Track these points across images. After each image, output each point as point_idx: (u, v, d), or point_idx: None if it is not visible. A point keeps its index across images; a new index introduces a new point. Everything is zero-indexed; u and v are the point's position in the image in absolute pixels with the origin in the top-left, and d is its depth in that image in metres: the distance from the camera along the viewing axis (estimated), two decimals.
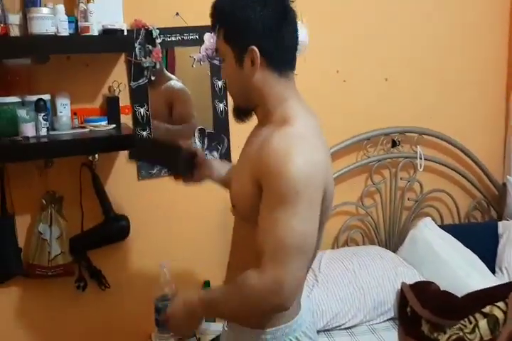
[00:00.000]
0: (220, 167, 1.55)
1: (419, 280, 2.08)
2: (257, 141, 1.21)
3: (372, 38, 2.29)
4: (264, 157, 1.13)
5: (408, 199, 2.43)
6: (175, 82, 2.00)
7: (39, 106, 1.69)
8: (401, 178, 2.40)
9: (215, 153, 2.10)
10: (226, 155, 2.12)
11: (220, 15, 1.20)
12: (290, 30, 1.21)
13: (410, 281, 2.06)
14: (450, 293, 1.93)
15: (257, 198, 1.15)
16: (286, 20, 1.20)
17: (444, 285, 2.01)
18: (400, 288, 2.05)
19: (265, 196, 1.14)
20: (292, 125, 1.16)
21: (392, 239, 2.44)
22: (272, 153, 1.12)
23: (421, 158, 2.37)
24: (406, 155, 2.39)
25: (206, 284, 2.09)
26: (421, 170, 2.38)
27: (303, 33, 2.12)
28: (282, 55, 1.21)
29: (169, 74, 1.99)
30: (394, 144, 2.37)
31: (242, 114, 1.28)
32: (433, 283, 2.01)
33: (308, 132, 1.18)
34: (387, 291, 2.05)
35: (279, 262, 1.10)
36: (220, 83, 2.05)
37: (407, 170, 2.42)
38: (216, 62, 2.01)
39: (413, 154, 2.39)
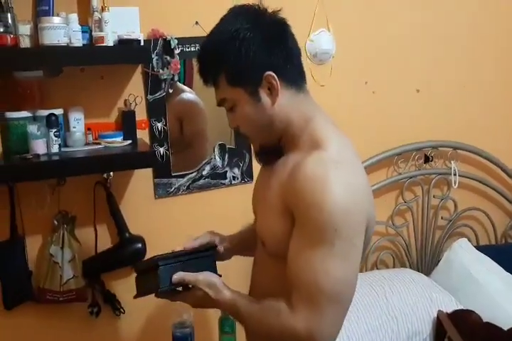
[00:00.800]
0: (235, 242, 1.38)
1: (456, 307, 1.93)
2: (285, 169, 1.07)
3: (402, 48, 2.18)
4: (297, 186, 1.01)
5: (441, 218, 2.30)
6: (187, 95, 1.88)
7: (50, 122, 1.59)
8: (434, 196, 2.27)
9: (236, 170, 1.98)
10: (248, 172, 2.00)
11: (216, 61, 1.07)
12: (292, 39, 1.10)
13: (447, 309, 1.91)
14: (494, 325, 1.77)
15: (290, 233, 1.03)
16: (285, 31, 1.09)
17: (483, 314, 1.85)
18: (435, 316, 1.90)
19: (298, 230, 1.01)
20: (325, 149, 1.04)
21: (425, 261, 2.29)
22: (306, 181, 0.99)
23: (455, 175, 2.24)
24: (439, 171, 2.26)
25: None
26: (455, 187, 2.25)
27: (329, 41, 2.02)
28: (293, 68, 1.09)
29: (182, 86, 1.86)
30: (426, 160, 2.24)
31: (269, 154, 1.14)
32: (473, 312, 1.85)
33: (344, 155, 1.05)
34: (422, 320, 1.90)
35: (314, 309, 0.97)
36: None
37: (441, 187, 2.29)
38: None
39: (447, 170, 2.25)
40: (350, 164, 1.05)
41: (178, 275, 1.12)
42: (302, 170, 1.01)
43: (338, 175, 0.99)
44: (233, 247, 1.36)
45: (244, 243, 1.38)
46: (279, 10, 1.11)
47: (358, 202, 1.01)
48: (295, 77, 1.10)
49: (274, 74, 1.05)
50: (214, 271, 1.18)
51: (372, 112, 2.16)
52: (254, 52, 1.04)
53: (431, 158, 2.23)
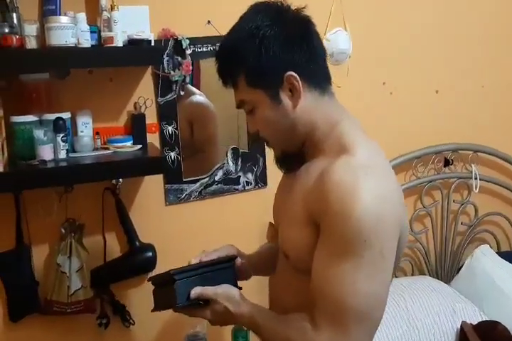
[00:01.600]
0: (254, 260, 1.29)
1: (480, 318, 1.85)
2: (310, 177, 1.00)
3: (420, 48, 2.12)
4: (323, 194, 0.93)
5: (461, 223, 2.22)
6: (197, 98, 1.81)
7: (58, 126, 1.52)
8: (454, 201, 2.19)
9: (249, 175, 1.91)
10: (262, 177, 1.92)
11: (234, 61, 1.00)
12: (317, 38, 1.03)
13: (471, 320, 1.83)
14: None
15: (316, 244, 0.95)
16: (309, 30, 1.02)
17: (510, 325, 1.77)
18: (459, 327, 1.82)
19: (324, 241, 0.94)
20: (354, 154, 0.96)
21: (444, 268, 2.21)
22: (334, 188, 0.92)
23: (476, 178, 2.16)
24: (459, 175, 2.19)
25: None
26: (476, 191, 2.17)
27: (346, 41, 1.95)
28: (317, 68, 1.02)
29: (192, 89, 1.79)
30: (446, 163, 2.16)
31: (291, 161, 1.06)
32: (499, 323, 1.77)
33: (374, 160, 0.98)
34: (444, 331, 1.82)
35: (339, 328, 0.90)
36: None
37: (461, 191, 2.22)
38: None
39: (467, 174, 2.18)
40: (381, 169, 0.98)
41: (195, 291, 1.05)
42: (329, 177, 0.94)
43: (368, 181, 0.92)
44: (251, 265, 1.28)
45: (263, 263, 1.30)
46: (304, 7, 1.03)
47: (390, 210, 0.93)
48: (319, 79, 1.03)
49: (295, 74, 0.98)
50: (234, 283, 1.11)
51: (389, 114, 2.09)
52: (274, 51, 0.98)
53: (451, 161, 2.16)
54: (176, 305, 1.08)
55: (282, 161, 1.09)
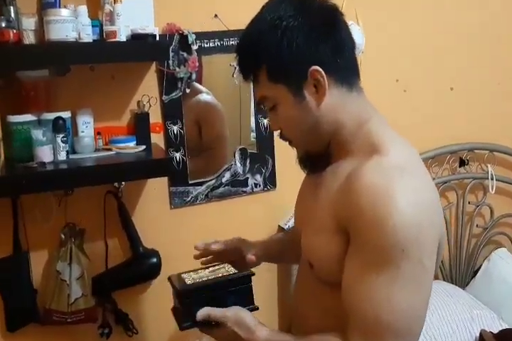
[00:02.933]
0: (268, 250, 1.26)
1: (499, 325, 1.78)
2: (336, 179, 0.92)
3: (435, 44, 2.04)
4: (353, 199, 0.85)
5: (477, 225, 2.15)
6: (204, 96, 1.73)
7: (57, 126, 1.44)
8: (469, 202, 2.12)
9: (258, 177, 1.83)
10: (271, 179, 1.84)
11: (255, 54, 0.93)
12: (345, 29, 0.95)
13: (490, 328, 1.75)
14: None
15: (345, 254, 0.88)
16: (336, 20, 0.94)
17: None
18: (478, 335, 1.74)
19: (355, 251, 0.86)
20: (386, 154, 0.89)
21: (459, 272, 2.13)
22: (365, 192, 0.84)
23: (492, 179, 2.09)
24: (475, 175, 2.11)
25: None
26: (492, 192, 2.09)
27: (358, 36, 1.87)
28: (345, 62, 0.94)
29: (199, 87, 1.71)
30: (462, 163, 2.09)
31: (316, 161, 0.99)
32: None
33: (409, 161, 0.90)
34: (463, 340, 1.74)
35: None
36: None
37: (476, 192, 2.14)
38: None
39: (483, 174, 2.11)
40: (417, 170, 0.90)
41: (202, 312, 0.98)
42: (359, 180, 0.86)
43: (403, 183, 0.85)
44: (264, 254, 1.23)
45: (278, 253, 1.27)
46: None
47: (429, 215, 0.86)
48: (346, 73, 0.95)
49: (320, 69, 0.90)
50: (250, 302, 1.03)
51: (403, 112, 2.00)
52: (298, 44, 0.90)
53: (466, 161, 2.08)
54: (180, 326, 1.00)
55: (306, 162, 1.01)
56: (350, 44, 0.95)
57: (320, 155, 0.98)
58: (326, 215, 0.91)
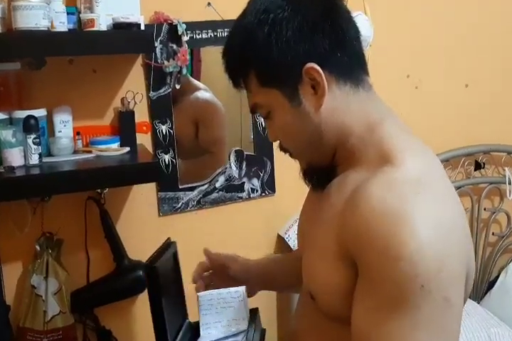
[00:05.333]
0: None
1: None
2: (342, 194, 0.77)
3: (449, 36, 1.91)
4: (360, 222, 0.70)
5: (493, 233, 2.03)
6: (203, 94, 1.60)
7: (28, 126, 1.29)
8: (485, 209, 2.00)
9: (255, 181, 1.68)
10: (269, 184, 1.69)
11: (241, 55, 0.80)
12: (345, 17, 0.81)
13: None
14: None
15: (353, 286, 0.73)
16: (335, 6, 0.80)
17: None
18: None
19: (364, 287, 0.71)
20: (399, 164, 0.73)
21: (473, 283, 1.97)
22: (373, 215, 0.69)
23: (510, 184, 1.96)
24: (491, 179, 1.99)
25: None
26: (510, 198, 1.97)
27: (366, 27, 1.73)
28: (347, 56, 0.79)
29: (196, 83, 1.58)
30: (477, 166, 1.96)
31: (322, 175, 0.84)
32: None
33: (427, 174, 0.75)
34: None
35: None
36: None
37: (492, 197, 2.02)
38: None
39: (500, 178, 1.98)
40: (438, 187, 0.74)
41: None
42: (366, 199, 0.71)
43: (420, 204, 0.69)
44: (259, 277, 1.11)
45: (277, 275, 1.13)
46: None
47: (454, 243, 0.70)
48: (350, 69, 0.80)
49: (317, 66, 0.76)
50: None
51: (414, 110, 1.87)
52: (288, 39, 0.76)
53: (482, 164, 1.94)
54: None
55: (310, 175, 0.86)
56: (353, 34, 0.80)
57: (325, 167, 0.83)
58: (330, 240, 0.75)
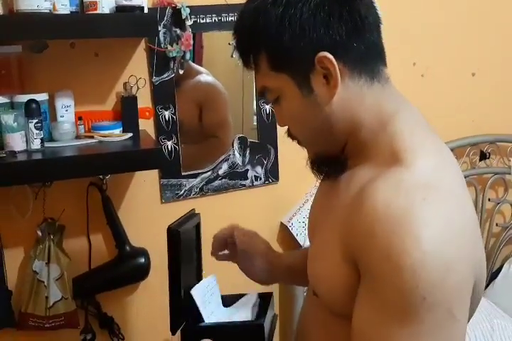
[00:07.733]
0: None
1: None
2: (350, 192, 0.75)
3: (456, 23, 1.87)
4: (362, 226, 0.68)
5: (496, 224, 2.00)
6: (205, 78, 1.58)
7: (30, 110, 1.27)
8: (489, 199, 1.97)
9: (259, 169, 1.66)
10: (273, 171, 1.68)
11: (253, 36, 0.77)
12: (365, 3, 0.77)
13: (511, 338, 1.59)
14: None
15: (356, 285, 0.71)
16: None
17: None
18: None
19: (366, 294, 0.69)
20: (408, 165, 0.71)
21: None
22: (377, 219, 0.67)
23: None
24: (496, 170, 1.96)
25: None
26: None
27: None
28: (365, 46, 0.75)
29: (197, 67, 1.56)
30: (482, 156, 1.93)
31: (329, 166, 0.82)
32: None
33: (439, 176, 0.71)
34: None
35: None
36: None
37: (497, 188, 1.99)
38: None
39: (505, 169, 1.95)
40: (449, 188, 0.71)
41: None
42: (371, 201, 0.68)
43: (427, 212, 0.67)
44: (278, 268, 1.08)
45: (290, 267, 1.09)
46: None
47: (462, 252, 0.67)
48: (367, 60, 0.77)
49: (330, 55, 0.73)
50: None
51: (420, 99, 1.73)
52: (302, 24, 0.73)
53: (488, 154, 1.91)
54: None
55: (318, 165, 0.84)
56: (373, 22, 0.77)
57: (334, 158, 0.81)
58: (334, 239, 0.74)
